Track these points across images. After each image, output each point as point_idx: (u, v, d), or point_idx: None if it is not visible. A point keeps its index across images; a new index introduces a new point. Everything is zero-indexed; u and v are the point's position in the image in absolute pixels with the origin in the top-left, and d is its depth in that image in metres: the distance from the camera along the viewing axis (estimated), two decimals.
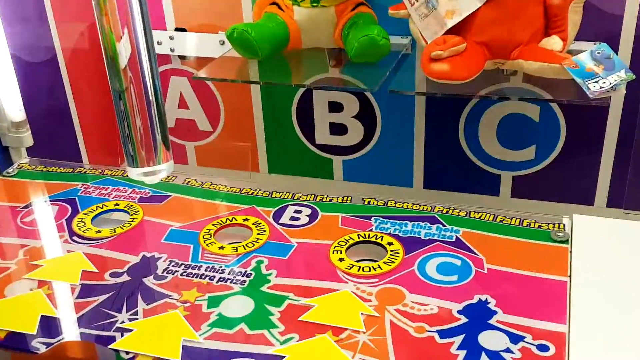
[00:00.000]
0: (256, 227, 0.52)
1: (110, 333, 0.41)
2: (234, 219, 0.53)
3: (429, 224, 0.50)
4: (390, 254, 0.47)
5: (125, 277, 0.46)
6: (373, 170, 0.63)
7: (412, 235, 0.49)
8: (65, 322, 0.43)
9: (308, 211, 0.53)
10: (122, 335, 0.41)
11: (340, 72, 0.53)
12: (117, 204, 0.55)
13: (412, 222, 0.51)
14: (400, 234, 0.50)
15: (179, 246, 0.50)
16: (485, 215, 0.51)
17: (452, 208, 0.52)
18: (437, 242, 0.48)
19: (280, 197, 0.55)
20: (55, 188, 0.58)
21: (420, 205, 0.53)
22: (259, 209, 0.54)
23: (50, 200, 0.56)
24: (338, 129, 0.62)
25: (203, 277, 0.46)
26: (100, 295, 0.45)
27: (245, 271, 0.47)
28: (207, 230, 0.52)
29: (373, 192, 0.62)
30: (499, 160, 0.59)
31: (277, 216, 0.53)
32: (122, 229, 0.52)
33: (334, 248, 0.49)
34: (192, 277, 0.46)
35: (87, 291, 0.45)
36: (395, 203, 0.53)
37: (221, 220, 0.53)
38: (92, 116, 0.68)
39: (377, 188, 0.63)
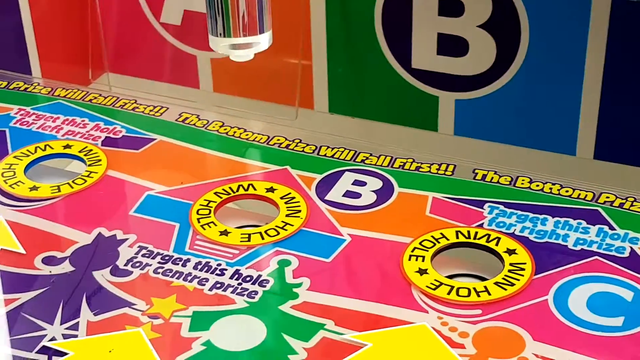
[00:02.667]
0: (286, 203, 0.52)
1: (31, 356, 0.42)
2: (250, 187, 0.53)
3: (585, 223, 0.50)
4: (510, 271, 0.47)
5: (66, 267, 0.47)
6: (506, 121, 0.62)
7: (551, 240, 0.49)
8: None
9: (377, 183, 0.53)
10: None
11: None
12: (68, 146, 0.56)
13: (555, 218, 0.50)
14: (531, 237, 0.49)
15: (158, 224, 0.50)
16: None
17: (633, 199, 0.50)
18: (596, 257, 0.47)
19: (332, 157, 0.55)
20: None
21: (573, 190, 0.52)
22: (295, 172, 0.54)
23: None
24: (452, 45, 0.61)
25: (189, 278, 0.46)
26: (23, 292, 0.45)
27: (259, 276, 0.47)
28: (206, 203, 0.52)
29: (499, 157, 0.60)
30: None
31: (324, 188, 0.53)
32: (72, 187, 0.53)
33: (413, 251, 0.48)
34: (172, 276, 0.47)
35: (3, 283, 0.46)
36: (531, 182, 0.52)
37: (230, 187, 0.53)
38: (51, 3, 0.69)
39: (508, 151, 0.62)
